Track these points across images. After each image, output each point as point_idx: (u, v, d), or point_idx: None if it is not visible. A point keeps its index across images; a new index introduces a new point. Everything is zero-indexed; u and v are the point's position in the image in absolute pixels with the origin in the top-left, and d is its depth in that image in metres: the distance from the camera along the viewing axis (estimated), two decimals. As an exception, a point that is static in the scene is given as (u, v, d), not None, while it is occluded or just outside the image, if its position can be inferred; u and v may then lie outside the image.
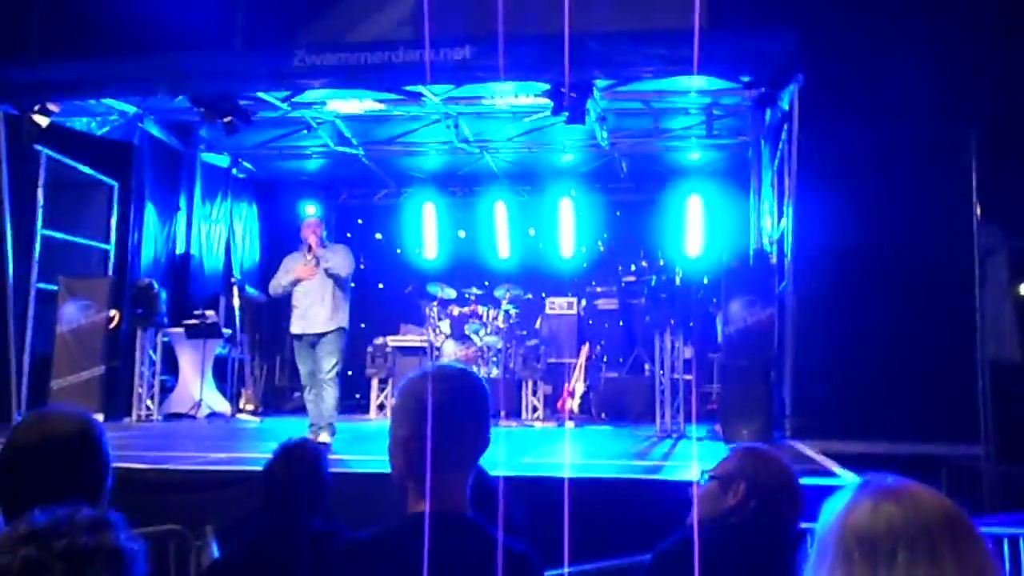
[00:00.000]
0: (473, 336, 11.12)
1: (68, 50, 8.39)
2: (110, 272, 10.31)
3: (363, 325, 12.45)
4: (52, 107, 8.71)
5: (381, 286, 13.35)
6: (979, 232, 7.09)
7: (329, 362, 7.27)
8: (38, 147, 9.35)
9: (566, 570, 1.90)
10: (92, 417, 2.05)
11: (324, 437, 7.10)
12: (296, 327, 7.43)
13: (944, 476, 6.69)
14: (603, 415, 10.12)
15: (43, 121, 8.68)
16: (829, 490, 1.53)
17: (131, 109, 10.07)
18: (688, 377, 8.60)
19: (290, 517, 2.81)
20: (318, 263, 7.41)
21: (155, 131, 10.69)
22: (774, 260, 8.71)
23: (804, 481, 2.40)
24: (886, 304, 7.04)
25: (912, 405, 6.86)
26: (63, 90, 8.71)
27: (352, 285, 7.74)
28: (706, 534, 2.18)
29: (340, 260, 7.47)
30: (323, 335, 7.31)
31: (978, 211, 7.09)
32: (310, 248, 7.44)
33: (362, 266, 13.41)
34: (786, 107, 8.11)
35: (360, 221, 13.86)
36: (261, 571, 2.71)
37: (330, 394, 7.25)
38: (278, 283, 7.56)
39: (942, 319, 7.05)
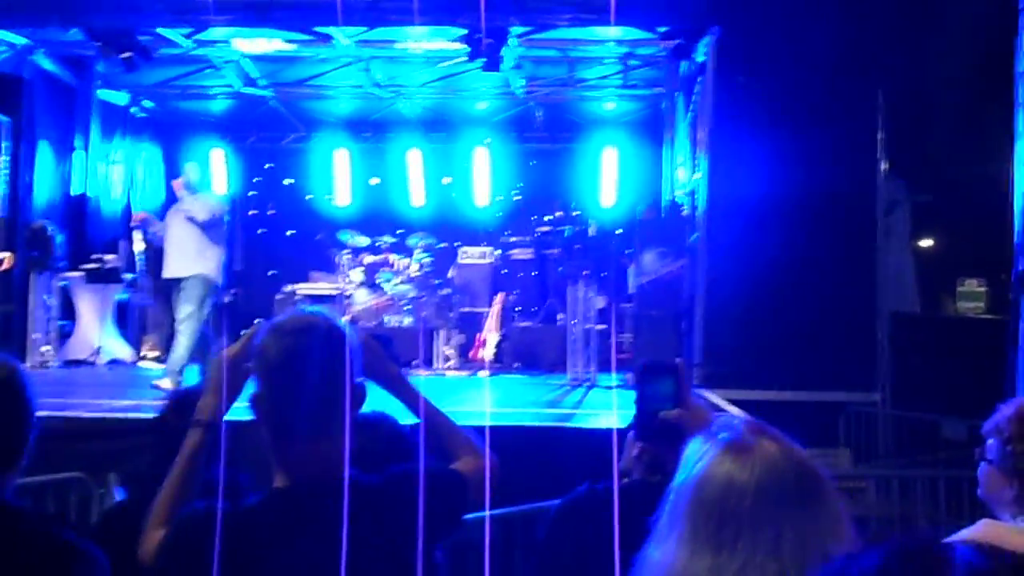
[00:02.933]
0: (385, 285, 10.99)
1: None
2: (0, 213, 9.77)
3: (272, 273, 12.18)
4: (-68, 35, 8.15)
5: (291, 232, 13.04)
6: (884, 187, 7.32)
7: (184, 310, 7.16)
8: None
9: (487, 514, 1.85)
10: (14, 361, 1.81)
11: (166, 383, 6.89)
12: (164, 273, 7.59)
13: (843, 422, 6.98)
14: (516, 364, 10.16)
15: (-78, 50, 8.12)
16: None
17: (20, 40, 9.46)
18: (600, 327, 8.69)
19: None
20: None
21: (47, 65, 10.08)
22: (687, 212, 8.84)
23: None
24: (794, 256, 7.22)
25: (816, 354, 7.09)
26: (-56, 17, 8.15)
27: (227, 223, 7.80)
28: (602, 492, 2.19)
29: (198, 206, 7.44)
30: (180, 280, 7.28)
31: (883, 166, 7.30)
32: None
33: (271, 211, 13.10)
34: (701, 59, 8.16)
35: (269, 165, 13.46)
36: None
37: (181, 343, 7.08)
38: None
39: (847, 270, 7.28)
